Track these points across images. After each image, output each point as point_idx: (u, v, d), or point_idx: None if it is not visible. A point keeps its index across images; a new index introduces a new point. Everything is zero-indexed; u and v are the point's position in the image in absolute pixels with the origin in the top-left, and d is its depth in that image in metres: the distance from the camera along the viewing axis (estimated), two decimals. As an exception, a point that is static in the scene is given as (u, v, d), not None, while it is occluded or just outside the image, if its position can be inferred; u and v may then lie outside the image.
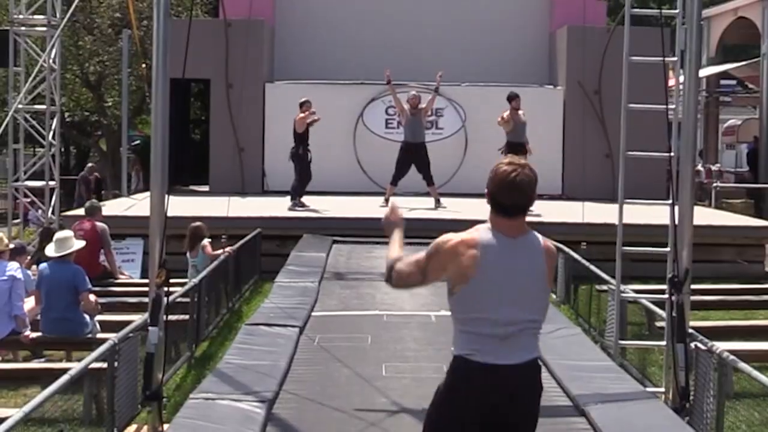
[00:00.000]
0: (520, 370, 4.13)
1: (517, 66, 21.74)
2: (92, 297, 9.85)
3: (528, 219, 4.20)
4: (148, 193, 8.09)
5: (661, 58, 7.97)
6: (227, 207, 14.99)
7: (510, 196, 4.15)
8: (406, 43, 21.61)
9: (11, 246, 10.81)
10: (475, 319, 4.15)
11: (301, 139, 16.60)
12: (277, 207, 16.68)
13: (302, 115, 16.51)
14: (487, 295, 4.13)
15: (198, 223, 12.67)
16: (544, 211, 16.58)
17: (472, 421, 4.12)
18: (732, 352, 6.88)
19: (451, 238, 4.27)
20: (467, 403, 4.12)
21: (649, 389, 7.69)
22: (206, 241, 12.33)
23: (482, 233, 4.22)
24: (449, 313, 4.22)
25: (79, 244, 10.14)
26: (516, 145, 16.48)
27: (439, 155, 18.66)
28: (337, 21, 22.00)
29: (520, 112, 16.57)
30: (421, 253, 4.35)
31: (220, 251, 12.19)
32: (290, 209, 16.45)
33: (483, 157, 17.30)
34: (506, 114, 16.47)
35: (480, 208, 15.32)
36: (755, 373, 6.41)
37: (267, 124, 20.53)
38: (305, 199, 16.84)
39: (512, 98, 16.58)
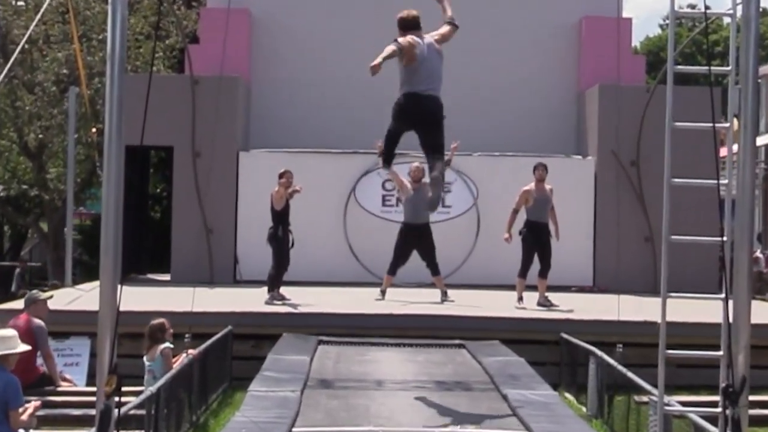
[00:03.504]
0: (434, 98, 10.60)
1: (539, 132, 21.87)
2: (24, 416, 9.73)
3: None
4: (96, 283, 8.06)
5: (711, 124, 8.01)
6: (192, 300, 14.95)
7: (409, 22, 10.52)
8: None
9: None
10: (417, 77, 10.44)
11: (280, 217, 16.60)
12: (252, 300, 16.64)
13: (279, 185, 16.49)
14: (424, 68, 10.45)
15: (160, 320, 12.62)
16: (571, 305, 16.56)
17: (406, 113, 10.59)
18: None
19: (404, 39, 10.31)
20: (405, 106, 10.53)
21: None
22: (168, 347, 12.25)
23: (417, 40, 10.36)
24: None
25: (23, 348, 10.06)
26: (537, 226, 16.49)
27: (447, 238, 18.69)
28: (325, 79, 22.17)
29: (548, 186, 16.60)
30: (388, 48, 10.30)
31: (182, 356, 12.13)
32: (267, 303, 16.40)
33: (498, 241, 17.32)
34: (528, 187, 16.51)
35: (497, 302, 15.27)
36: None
37: (240, 201, 20.59)
38: (285, 290, 16.80)
39: (535, 168, 16.61)
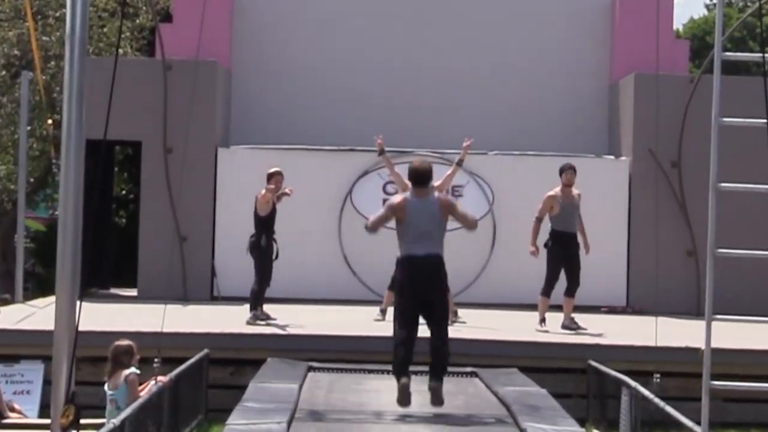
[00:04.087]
0: (430, 257, 11.43)
1: (565, 128, 21.87)
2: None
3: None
4: (52, 299, 8.06)
5: (764, 120, 8.00)
6: (162, 319, 14.95)
7: (417, 177, 11.57)
8: (413, 97, 21.77)
9: None
10: (407, 238, 11.34)
11: (265, 224, 16.57)
12: (232, 320, 16.65)
13: (266, 190, 16.42)
14: (412, 228, 11.30)
15: (124, 342, 12.59)
16: (601, 328, 16.55)
17: (410, 283, 11.36)
18: None
19: (395, 199, 11.96)
20: (407, 274, 11.38)
21: None
22: (133, 373, 12.22)
23: (408, 196, 11.52)
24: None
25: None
26: (564, 236, 16.43)
27: (457, 250, 18.59)
28: (317, 66, 22.17)
29: (575, 191, 16.53)
30: (381, 210, 11.72)
31: (150, 384, 12.11)
32: (249, 322, 16.39)
33: (517, 254, 17.32)
34: (553, 192, 16.45)
35: (515, 324, 15.35)
36: None
37: (219, 205, 20.59)
38: (270, 308, 16.79)
39: (562, 171, 16.51)
